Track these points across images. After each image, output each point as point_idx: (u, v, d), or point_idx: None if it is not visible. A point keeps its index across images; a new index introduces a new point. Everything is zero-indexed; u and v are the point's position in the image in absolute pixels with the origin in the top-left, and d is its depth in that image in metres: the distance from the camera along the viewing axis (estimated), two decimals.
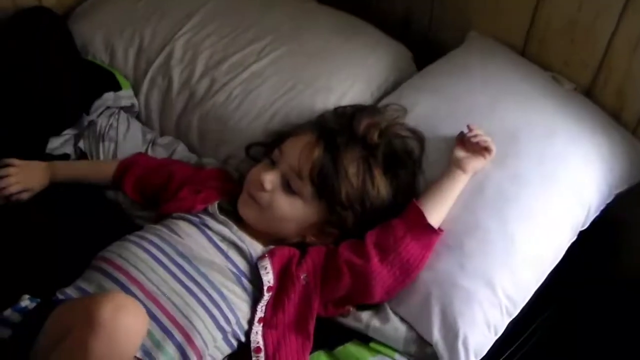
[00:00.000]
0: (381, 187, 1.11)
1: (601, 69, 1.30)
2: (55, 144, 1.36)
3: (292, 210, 1.10)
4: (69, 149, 1.37)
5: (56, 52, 1.41)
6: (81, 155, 1.37)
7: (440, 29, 1.58)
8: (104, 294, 0.88)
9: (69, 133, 1.38)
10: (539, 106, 1.24)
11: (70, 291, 1.03)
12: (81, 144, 1.37)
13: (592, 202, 1.17)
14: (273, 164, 1.13)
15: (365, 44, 1.42)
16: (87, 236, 1.19)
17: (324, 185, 1.08)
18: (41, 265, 1.14)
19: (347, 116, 1.18)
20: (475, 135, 1.13)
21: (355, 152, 1.10)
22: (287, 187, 1.10)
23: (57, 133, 1.37)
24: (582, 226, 1.17)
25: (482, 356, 1.05)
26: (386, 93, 1.37)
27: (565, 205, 1.14)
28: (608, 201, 1.21)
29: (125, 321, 0.83)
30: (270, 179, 1.10)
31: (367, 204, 1.10)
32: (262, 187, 1.10)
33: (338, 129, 1.13)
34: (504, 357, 1.16)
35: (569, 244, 1.15)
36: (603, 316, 1.43)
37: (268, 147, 1.21)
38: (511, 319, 1.08)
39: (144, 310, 0.88)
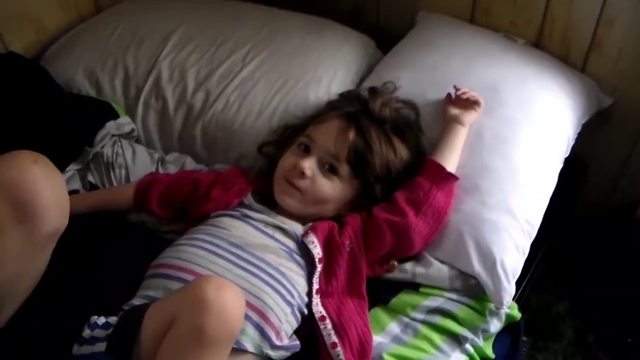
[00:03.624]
0: (402, 152, 1.23)
1: (545, 22, 1.49)
2: None
3: (332, 190, 1.20)
4: (76, 185, 1.37)
5: (44, 91, 1.43)
6: (91, 188, 1.38)
7: (389, 15, 1.73)
8: (202, 278, 0.93)
9: (72, 169, 1.39)
10: (504, 60, 1.42)
11: (137, 301, 1.07)
12: (90, 177, 1.38)
13: (569, 132, 1.36)
14: (303, 151, 1.22)
15: (334, 37, 1.55)
16: (123, 258, 1.22)
17: (360, 163, 1.19)
18: (86, 295, 1.16)
19: (359, 99, 1.29)
20: (464, 93, 1.29)
21: (376, 129, 1.22)
22: (325, 170, 1.20)
23: (60, 170, 1.38)
24: (566, 153, 1.35)
25: (517, 277, 1.18)
26: (363, 77, 1.51)
27: (550, 136, 1.32)
28: (578, 131, 1.40)
29: (228, 297, 0.89)
30: (309, 165, 1.19)
31: (393, 171, 1.22)
32: (302, 174, 1.18)
33: (360, 112, 1.24)
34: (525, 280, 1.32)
35: (559, 170, 1.32)
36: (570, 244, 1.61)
37: (282, 142, 1.30)
38: (531, 240, 1.22)
39: (237, 287, 0.94)
